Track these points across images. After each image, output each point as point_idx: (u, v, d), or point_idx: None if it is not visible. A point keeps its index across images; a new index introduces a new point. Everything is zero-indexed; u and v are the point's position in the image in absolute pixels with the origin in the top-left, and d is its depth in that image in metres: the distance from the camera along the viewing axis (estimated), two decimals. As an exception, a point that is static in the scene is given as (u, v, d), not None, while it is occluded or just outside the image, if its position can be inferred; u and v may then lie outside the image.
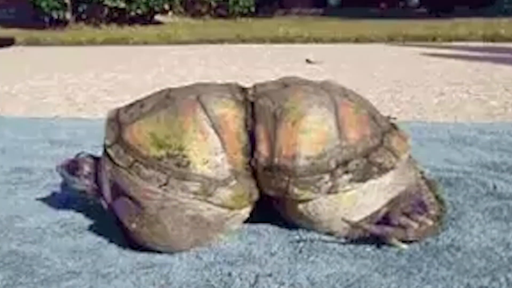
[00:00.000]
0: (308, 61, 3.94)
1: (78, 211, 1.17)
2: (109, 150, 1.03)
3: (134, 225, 0.97)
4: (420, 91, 2.65)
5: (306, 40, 5.63)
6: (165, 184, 0.97)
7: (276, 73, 3.30)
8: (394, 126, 1.09)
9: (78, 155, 1.12)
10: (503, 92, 2.57)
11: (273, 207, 1.05)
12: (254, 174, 1.01)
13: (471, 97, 2.47)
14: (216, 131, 1.00)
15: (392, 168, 1.01)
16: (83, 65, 4.21)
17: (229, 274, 0.90)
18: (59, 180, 1.22)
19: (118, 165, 1.01)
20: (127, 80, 3.35)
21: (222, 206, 0.99)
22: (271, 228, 1.06)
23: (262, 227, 1.06)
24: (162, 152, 0.99)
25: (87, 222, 1.12)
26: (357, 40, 5.49)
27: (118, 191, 1.02)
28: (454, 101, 2.40)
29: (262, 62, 4.08)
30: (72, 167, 1.10)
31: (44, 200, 1.25)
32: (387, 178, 1.01)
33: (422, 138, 1.67)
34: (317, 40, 5.59)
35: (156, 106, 1.04)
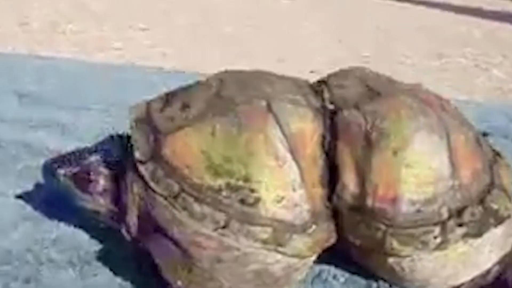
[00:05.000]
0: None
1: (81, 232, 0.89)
2: (141, 168, 0.75)
3: (179, 282, 0.72)
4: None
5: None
6: (223, 227, 0.71)
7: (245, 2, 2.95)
8: (494, 151, 0.86)
9: (84, 154, 0.83)
10: None
11: (348, 251, 0.82)
12: (335, 212, 0.77)
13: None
14: (294, 156, 0.74)
15: (509, 216, 0.79)
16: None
17: None
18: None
19: (155, 191, 0.74)
20: (86, 3, 2.94)
21: (296, 256, 0.75)
22: (341, 276, 0.83)
23: (330, 272, 0.83)
24: (221, 182, 0.72)
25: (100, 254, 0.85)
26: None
27: (151, 224, 0.75)
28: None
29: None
30: (81, 178, 0.82)
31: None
32: (500, 229, 0.79)
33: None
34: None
35: (208, 110, 0.76)
